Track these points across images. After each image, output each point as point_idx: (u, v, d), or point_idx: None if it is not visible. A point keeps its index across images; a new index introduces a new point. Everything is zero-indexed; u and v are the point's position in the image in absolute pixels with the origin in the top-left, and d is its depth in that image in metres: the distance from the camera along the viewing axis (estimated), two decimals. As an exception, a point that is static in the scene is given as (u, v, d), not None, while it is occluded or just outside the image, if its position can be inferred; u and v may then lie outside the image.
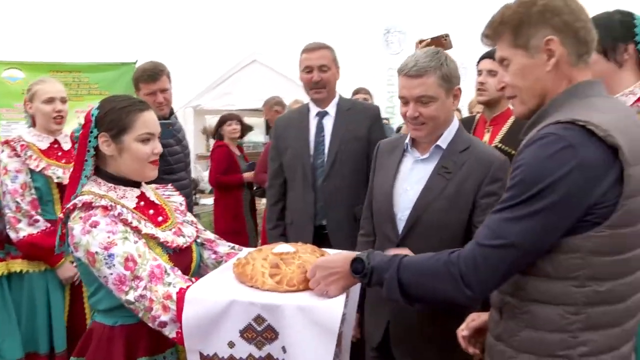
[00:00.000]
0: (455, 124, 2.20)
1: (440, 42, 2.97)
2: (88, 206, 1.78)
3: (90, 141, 1.87)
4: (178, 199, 2.19)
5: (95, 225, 1.74)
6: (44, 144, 3.16)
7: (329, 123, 3.21)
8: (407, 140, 2.25)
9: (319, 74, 3.14)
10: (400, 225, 2.17)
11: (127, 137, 1.86)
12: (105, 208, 1.78)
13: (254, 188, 5.76)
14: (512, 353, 1.47)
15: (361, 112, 3.25)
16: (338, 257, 1.72)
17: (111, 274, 1.70)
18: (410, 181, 2.19)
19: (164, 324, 1.68)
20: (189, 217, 2.17)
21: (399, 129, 6.79)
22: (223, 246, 2.19)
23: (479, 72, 3.01)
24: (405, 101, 2.11)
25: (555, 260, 1.37)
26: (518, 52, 1.51)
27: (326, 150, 3.17)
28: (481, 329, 1.77)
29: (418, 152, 2.21)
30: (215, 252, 2.16)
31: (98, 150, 1.89)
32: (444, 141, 2.15)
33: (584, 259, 1.34)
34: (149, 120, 1.91)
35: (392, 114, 10.46)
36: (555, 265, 1.37)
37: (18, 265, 3.09)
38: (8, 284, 3.05)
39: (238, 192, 5.57)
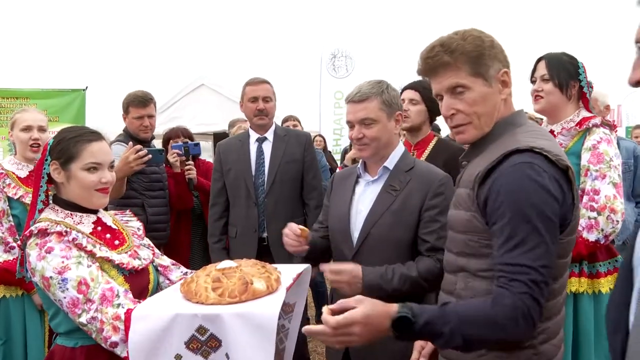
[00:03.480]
0: (400, 147, 2.39)
1: None
2: (44, 233, 1.86)
3: (44, 168, 1.98)
4: (136, 224, 2.28)
5: (49, 251, 1.82)
6: (23, 172, 3.22)
7: (267, 147, 3.63)
8: (359, 166, 2.45)
9: (263, 103, 3.58)
10: (355, 242, 2.33)
11: (73, 165, 1.95)
12: (60, 234, 1.86)
13: None
14: (484, 352, 1.59)
15: (295, 138, 3.70)
16: (378, 313, 1.53)
17: (65, 297, 1.77)
18: (364, 202, 2.36)
19: (115, 344, 1.74)
20: (146, 240, 2.25)
21: (344, 152, 6.97)
22: (176, 272, 2.27)
23: (402, 101, 3.29)
24: (351, 125, 2.33)
25: None
26: (478, 80, 1.63)
27: (266, 171, 3.57)
28: (434, 352, 1.88)
29: (369, 175, 2.40)
30: (169, 279, 2.25)
31: (52, 178, 1.99)
32: (390, 162, 2.34)
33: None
34: (97, 151, 1.98)
35: (340, 135, 10.69)
36: None
37: None
38: None
39: None
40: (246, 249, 3.46)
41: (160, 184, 3.99)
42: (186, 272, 2.28)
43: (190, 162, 4.08)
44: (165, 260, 2.30)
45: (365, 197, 2.37)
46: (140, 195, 3.79)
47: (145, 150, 3.39)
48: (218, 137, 11.99)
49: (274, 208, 3.52)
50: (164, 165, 4.11)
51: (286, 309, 2.07)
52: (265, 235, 3.54)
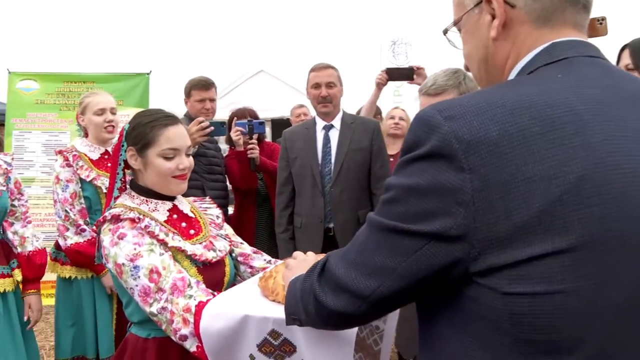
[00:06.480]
0: None
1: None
2: (117, 218, 1.81)
3: (121, 154, 1.93)
4: (215, 212, 2.17)
5: (122, 237, 1.76)
6: (95, 155, 3.25)
7: (334, 135, 3.51)
8: None
9: (326, 89, 3.47)
10: None
11: (150, 151, 1.87)
12: (132, 220, 1.80)
13: None
14: None
15: (362, 126, 3.54)
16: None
17: (136, 285, 1.70)
18: None
19: (184, 337, 1.64)
20: (225, 230, 2.15)
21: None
22: (259, 260, 2.16)
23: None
24: None
25: None
26: None
27: (333, 159, 3.45)
28: None
29: None
30: (250, 267, 2.13)
31: (129, 164, 1.94)
32: None
33: None
34: (173, 136, 1.89)
35: (399, 125, 10.49)
36: None
37: (67, 271, 3.17)
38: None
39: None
40: (311, 239, 3.38)
41: (220, 168, 3.97)
42: (269, 261, 2.16)
43: (254, 140, 3.87)
44: (246, 249, 2.18)
45: None
46: (200, 177, 3.76)
47: (207, 122, 3.34)
48: (276, 123, 12.08)
49: (340, 198, 3.40)
50: (223, 149, 4.08)
51: None
52: (331, 225, 3.42)
